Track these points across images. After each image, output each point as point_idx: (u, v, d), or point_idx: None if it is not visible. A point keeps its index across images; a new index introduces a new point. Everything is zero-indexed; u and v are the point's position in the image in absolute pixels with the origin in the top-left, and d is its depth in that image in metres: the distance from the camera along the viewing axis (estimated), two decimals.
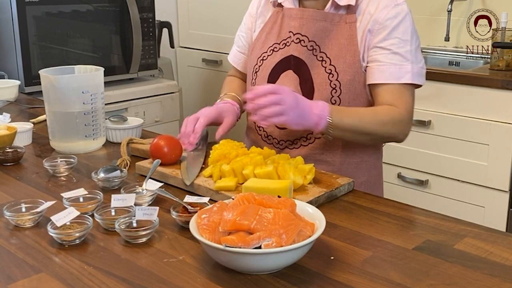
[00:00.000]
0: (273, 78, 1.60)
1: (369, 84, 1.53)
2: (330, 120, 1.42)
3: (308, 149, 1.57)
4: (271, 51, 1.61)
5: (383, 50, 1.50)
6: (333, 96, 1.53)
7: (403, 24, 1.50)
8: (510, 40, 2.67)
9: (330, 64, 1.53)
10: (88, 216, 1.14)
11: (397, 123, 1.49)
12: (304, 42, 1.55)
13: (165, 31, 3.37)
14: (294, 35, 1.57)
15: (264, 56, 1.62)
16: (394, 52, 1.49)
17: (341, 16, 1.53)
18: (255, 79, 1.64)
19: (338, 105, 1.53)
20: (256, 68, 1.64)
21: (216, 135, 1.56)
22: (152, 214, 1.13)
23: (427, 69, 1.57)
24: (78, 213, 1.14)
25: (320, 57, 1.54)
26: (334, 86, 1.53)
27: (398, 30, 1.50)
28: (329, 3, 1.53)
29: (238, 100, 1.67)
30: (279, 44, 1.60)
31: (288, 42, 1.58)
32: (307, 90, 1.55)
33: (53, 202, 1.23)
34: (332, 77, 1.52)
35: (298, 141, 1.58)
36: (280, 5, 1.62)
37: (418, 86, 1.55)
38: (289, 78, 1.57)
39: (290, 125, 1.39)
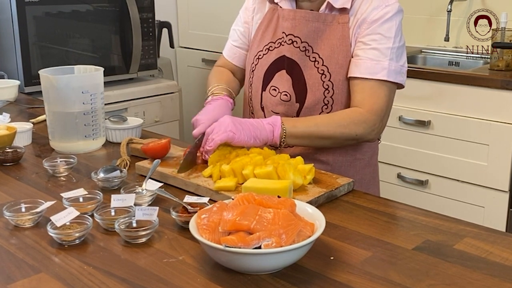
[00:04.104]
0: (268, 77, 1.60)
1: (349, 78, 1.52)
2: (284, 127, 1.43)
3: (303, 148, 1.57)
4: (267, 50, 1.61)
5: (364, 45, 1.51)
6: (325, 97, 1.53)
7: (389, 22, 1.50)
8: (510, 40, 2.67)
9: (323, 65, 1.53)
10: (88, 216, 1.14)
11: (360, 123, 1.47)
12: (297, 43, 1.56)
13: (165, 31, 3.37)
14: (286, 36, 1.57)
15: (260, 55, 1.63)
16: (373, 47, 1.49)
17: (334, 17, 1.53)
18: (252, 78, 1.65)
19: (332, 105, 1.54)
20: (253, 67, 1.64)
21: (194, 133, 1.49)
22: (152, 214, 1.13)
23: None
24: (78, 213, 1.14)
25: (313, 57, 1.54)
26: (326, 87, 1.53)
27: (383, 27, 1.50)
28: (324, 4, 1.53)
29: (229, 92, 1.66)
30: (274, 43, 1.60)
31: (282, 42, 1.58)
32: (300, 91, 1.55)
33: (53, 202, 1.23)
34: (325, 77, 1.53)
35: None
36: (275, 2, 1.62)
37: (400, 86, 1.54)
38: (282, 78, 1.58)
39: (241, 141, 1.38)
